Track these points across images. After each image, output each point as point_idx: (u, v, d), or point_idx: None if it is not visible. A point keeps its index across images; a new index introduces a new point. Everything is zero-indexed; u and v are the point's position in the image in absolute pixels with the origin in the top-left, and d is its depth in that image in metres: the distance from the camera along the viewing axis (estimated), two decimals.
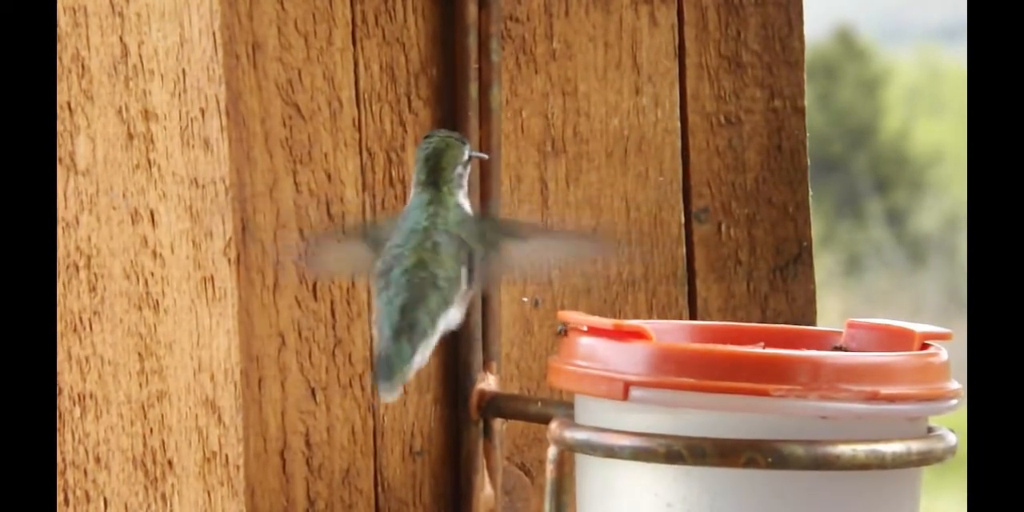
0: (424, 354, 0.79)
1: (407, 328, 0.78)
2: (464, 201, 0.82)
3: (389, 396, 0.78)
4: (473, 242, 0.81)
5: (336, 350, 0.89)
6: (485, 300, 0.90)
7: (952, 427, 0.79)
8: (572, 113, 0.93)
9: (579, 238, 0.87)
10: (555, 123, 0.93)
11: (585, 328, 0.80)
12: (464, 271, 0.79)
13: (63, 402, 0.93)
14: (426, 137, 0.84)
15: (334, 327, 0.89)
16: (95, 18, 0.92)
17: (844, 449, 0.76)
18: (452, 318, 0.79)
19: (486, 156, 0.87)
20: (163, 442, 0.90)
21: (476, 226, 0.82)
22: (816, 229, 0.98)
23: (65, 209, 0.93)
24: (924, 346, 0.80)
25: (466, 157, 0.83)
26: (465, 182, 0.83)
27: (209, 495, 0.88)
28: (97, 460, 0.92)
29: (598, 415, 0.79)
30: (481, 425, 0.90)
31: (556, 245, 0.85)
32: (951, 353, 0.79)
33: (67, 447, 0.93)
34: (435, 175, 0.82)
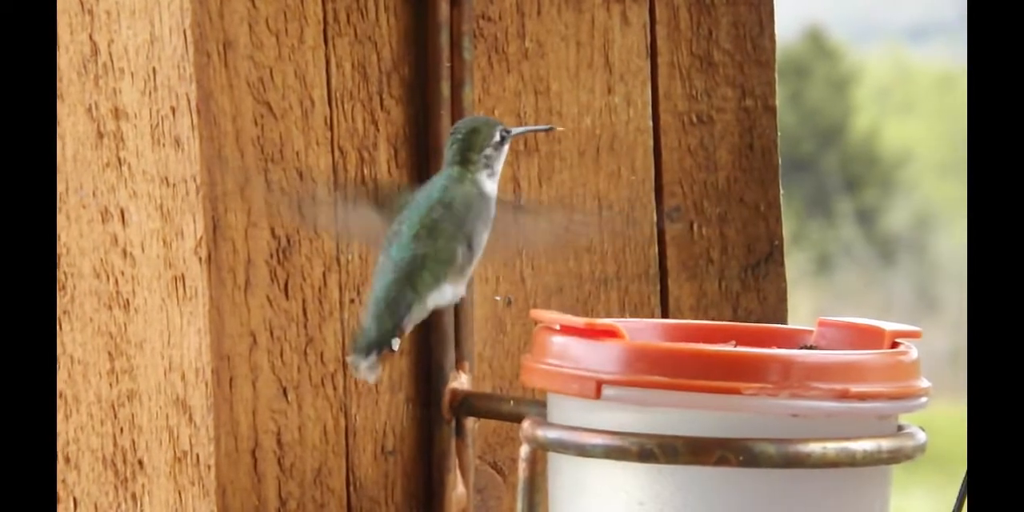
0: (406, 331, 0.78)
1: (392, 304, 0.78)
2: (486, 181, 0.81)
3: (367, 374, 0.78)
4: (476, 220, 0.79)
5: (308, 349, 0.89)
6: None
7: (922, 425, 0.80)
8: (544, 112, 0.93)
9: (581, 211, 0.87)
10: (527, 122, 0.93)
11: (558, 327, 0.80)
12: (461, 249, 0.78)
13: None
14: (459, 121, 0.83)
15: (306, 326, 0.89)
16: (64, 16, 0.91)
17: (815, 447, 0.76)
18: (444, 295, 0.79)
19: (551, 128, 0.86)
20: (133, 442, 0.90)
21: (484, 203, 0.80)
22: (787, 228, 0.98)
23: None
24: (894, 344, 0.80)
25: (496, 139, 0.82)
26: (495, 163, 0.82)
27: (180, 495, 0.88)
28: (67, 460, 0.92)
29: (570, 414, 0.79)
30: (453, 424, 0.90)
31: (561, 218, 0.84)
32: (920, 351, 0.80)
33: None
34: (459, 155, 0.81)
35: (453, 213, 0.80)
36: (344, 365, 0.89)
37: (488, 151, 0.81)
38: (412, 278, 0.78)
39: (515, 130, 0.85)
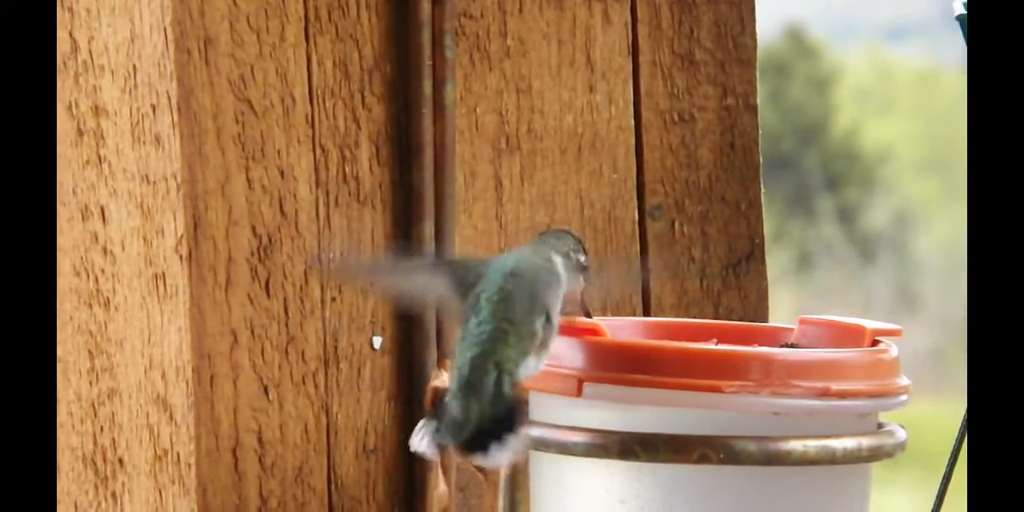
0: (493, 413, 0.73)
1: (473, 384, 0.73)
2: (559, 260, 0.77)
3: (499, 459, 0.73)
4: (551, 289, 0.76)
5: (289, 347, 0.89)
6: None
7: (903, 423, 0.80)
8: (526, 110, 0.93)
9: (633, 265, 0.85)
10: (509, 120, 0.93)
11: None
12: (540, 321, 0.75)
13: None
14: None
15: (287, 324, 0.88)
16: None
17: (795, 445, 0.76)
18: (529, 367, 0.75)
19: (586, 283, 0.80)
20: (113, 440, 0.89)
21: (556, 279, 0.77)
22: (768, 226, 0.98)
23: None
24: (874, 342, 0.80)
25: (581, 258, 0.78)
26: (571, 265, 0.77)
27: (160, 493, 0.88)
28: None
29: (552, 411, 0.79)
30: None
31: (621, 273, 0.83)
32: (901, 349, 0.80)
33: None
34: (547, 240, 0.78)
35: (529, 286, 0.75)
36: (325, 363, 0.89)
37: (572, 254, 0.77)
38: (495, 356, 0.74)
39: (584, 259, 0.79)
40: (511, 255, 0.79)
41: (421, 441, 0.74)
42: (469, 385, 0.74)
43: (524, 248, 0.80)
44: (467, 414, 0.73)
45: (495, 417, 0.73)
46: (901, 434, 0.79)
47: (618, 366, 0.77)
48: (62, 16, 0.90)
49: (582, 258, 0.79)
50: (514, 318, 0.75)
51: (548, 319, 0.76)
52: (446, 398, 0.74)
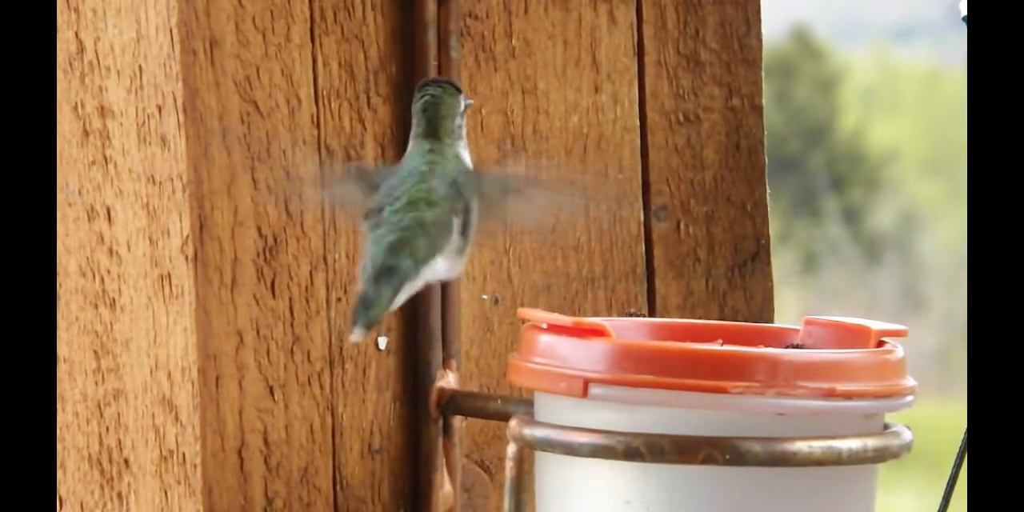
0: (401, 298, 0.76)
1: (389, 270, 0.75)
2: (463, 152, 0.80)
3: (358, 336, 0.76)
4: (469, 193, 0.77)
5: (295, 348, 0.89)
6: (445, 297, 0.90)
7: (908, 424, 0.80)
8: (532, 111, 0.93)
9: (573, 188, 0.85)
10: (515, 121, 0.93)
11: (545, 325, 0.80)
12: (457, 222, 0.76)
13: None
14: (421, 86, 0.82)
15: (292, 325, 0.88)
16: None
17: (801, 446, 0.76)
18: (439, 268, 0.76)
19: (471, 102, 0.83)
20: (119, 441, 0.89)
21: (473, 178, 0.78)
22: (773, 227, 0.98)
23: None
24: (880, 343, 0.80)
25: (462, 107, 0.81)
26: (463, 133, 0.81)
27: (166, 494, 0.88)
28: None
29: (557, 412, 0.79)
30: (440, 423, 0.90)
31: (551, 196, 0.83)
32: (906, 350, 0.80)
33: None
34: (434, 124, 0.79)
35: (446, 185, 0.77)
36: (331, 364, 0.89)
37: (458, 120, 0.79)
38: (410, 244, 0.75)
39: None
40: (416, 153, 0.79)
41: (352, 334, 0.76)
42: (384, 273, 0.75)
43: (423, 140, 0.79)
44: (378, 302, 0.75)
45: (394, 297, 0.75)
46: (907, 435, 0.79)
47: (624, 367, 0.77)
48: (68, 17, 0.90)
49: (464, 109, 0.79)
50: (433, 212, 0.76)
51: (466, 221, 0.76)
52: (360, 285, 0.76)
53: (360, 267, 0.77)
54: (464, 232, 0.77)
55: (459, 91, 0.81)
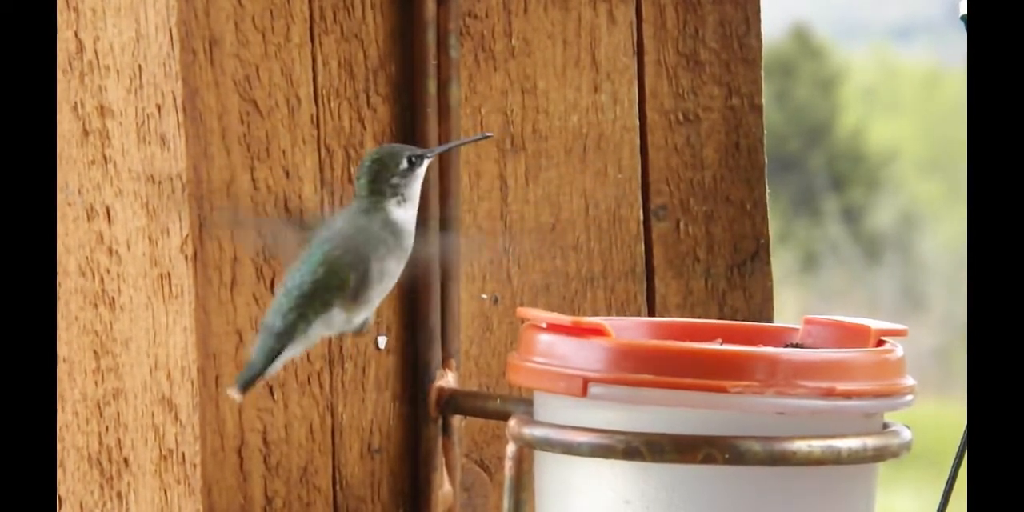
0: (282, 359, 0.80)
1: (282, 333, 0.80)
2: (395, 209, 0.82)
3: (236, 395, 0.79)
4: (377, 248, 0.81)
5: None
6: (444, 297, 0.90)
7: (908, 423, 0.80)
8: (531, 110, 0.93)
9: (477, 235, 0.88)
10: (514, 120, 0.93)
11: (544, 325, 0.80)
12: (355, 276, 0.80)
13: None
14: (368, 152, 0.85)
15: None
16: None
17: (800, 445, 0.76)
18: (333, 320, 0.80)
19: (485, 136, 0.86)
20: (119, 440, 0.89)
21: (389, 232, 0.81)
22: (773, 226, 0.98)
23: None
24: (880, 342, 0.80)
25: (403, 166, 0.83)
26: (405, 190, 0.83)
27: (165, 493, 0.88)
28: None
29: (557, 412, 0.79)
30: (440, 422, 0.90)
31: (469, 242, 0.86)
32: (906, 349, 0.80)
33: None
34: (366, 187, 0.83)
35: (351, 243, 0.81)
36: (330, 363, 0.89)
37: (395, 180, 0.82)
38: (304, 308, 0.80)
39: (435, 149, 0.85)
40: (344, 211, 0.82)
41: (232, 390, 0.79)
42: (275, 337, 0.79)
43: (360, 200, 0.82)
44: (263, 365, 0.79)
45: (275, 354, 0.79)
46: (906, 434, 0.79)
47: (623, 366, 0.77)
48: (68, 16, 0.90)
49: (404, 164, 0.82)
50: (328, 275, 0.80)
51: (366, 273, 0.80)
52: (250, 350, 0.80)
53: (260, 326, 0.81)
54: (364, 284, 0.80)
55: (402, 151, 0.82)
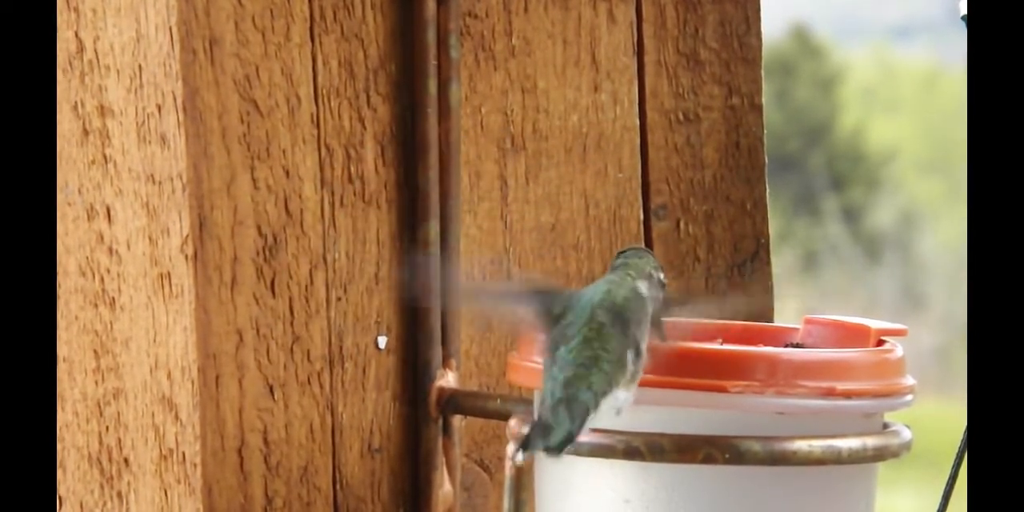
0: (583, 427, 0.75)
1: (568, 400, 0.75)
2: (644, 287, 0.79)
3: (520, 458, 0.75)
4: (638, 324, 0.77)
5: (294, 347, 0.89)
6: (444, 297, 0.90)
7: (908, 423, 0.80)
8: (531, 110, 0.93)
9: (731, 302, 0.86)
10: (514, 120, 0.93)
11: None
12: (630, 354, 0.76)
13: None
14: (620, 252, 0.81)
15: (292, 324, 0.88)
16: None
17: (800, 445, 0.76)
18: (619, 398, 0.76)
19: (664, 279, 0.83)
20: (119, 440, 0.89)
21: (644, 306, 0.78)
22: (773, 226, 0.98)
23: None
24: (880, 342, 0.80)
25: (660, 277, 0.79)
26: (655, 286, 0.79)
27: (166, 493, 0.88)
28: None
29: None
30: (440, 422, 0.90)
31: (714, 309, 0.84)
32: (906, 349, 0.80)
33: None
34: (629, 261, 0.79)
35: (617, 318, 0.77)
36: (331, 363, 0.89)
37: (650, 271, 0.79)
38: (586, 379, 0.76)
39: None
40: (600, 285, 0.79)
41: (516, 454, 0.75)
42: (562, 401, 0.75)
43: (610, 274, 0.80)
44: (559, 424, 0.74)
45: (576, 428, 0.75)
46: (906, 434, 0.79)
47: None
48: (68, 16, 0.90)
49: (662, 276, 0.80)
50: (607, 348, 0.76)
51: (638, 352, 0.77)
52: (538, 413, 0.76)
53: (537, 402, 0.77)
54: (636, 362, 0.77)
55: (661, 276, 0.80)
